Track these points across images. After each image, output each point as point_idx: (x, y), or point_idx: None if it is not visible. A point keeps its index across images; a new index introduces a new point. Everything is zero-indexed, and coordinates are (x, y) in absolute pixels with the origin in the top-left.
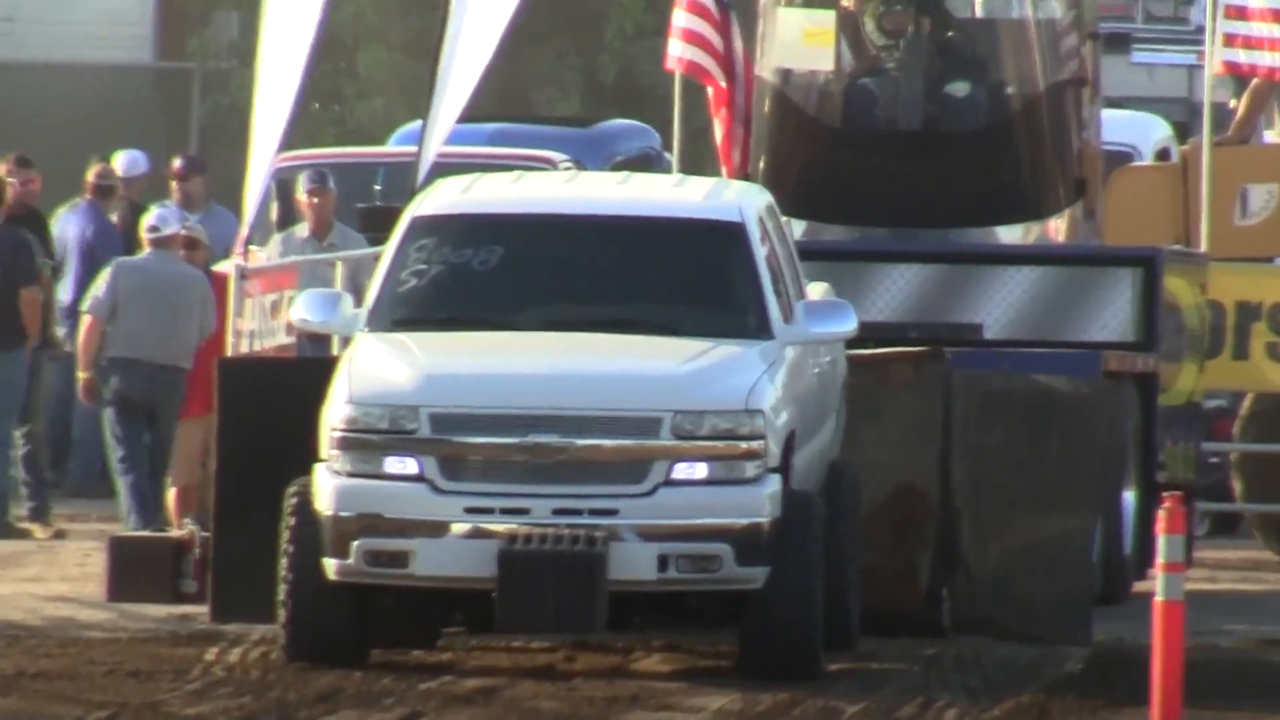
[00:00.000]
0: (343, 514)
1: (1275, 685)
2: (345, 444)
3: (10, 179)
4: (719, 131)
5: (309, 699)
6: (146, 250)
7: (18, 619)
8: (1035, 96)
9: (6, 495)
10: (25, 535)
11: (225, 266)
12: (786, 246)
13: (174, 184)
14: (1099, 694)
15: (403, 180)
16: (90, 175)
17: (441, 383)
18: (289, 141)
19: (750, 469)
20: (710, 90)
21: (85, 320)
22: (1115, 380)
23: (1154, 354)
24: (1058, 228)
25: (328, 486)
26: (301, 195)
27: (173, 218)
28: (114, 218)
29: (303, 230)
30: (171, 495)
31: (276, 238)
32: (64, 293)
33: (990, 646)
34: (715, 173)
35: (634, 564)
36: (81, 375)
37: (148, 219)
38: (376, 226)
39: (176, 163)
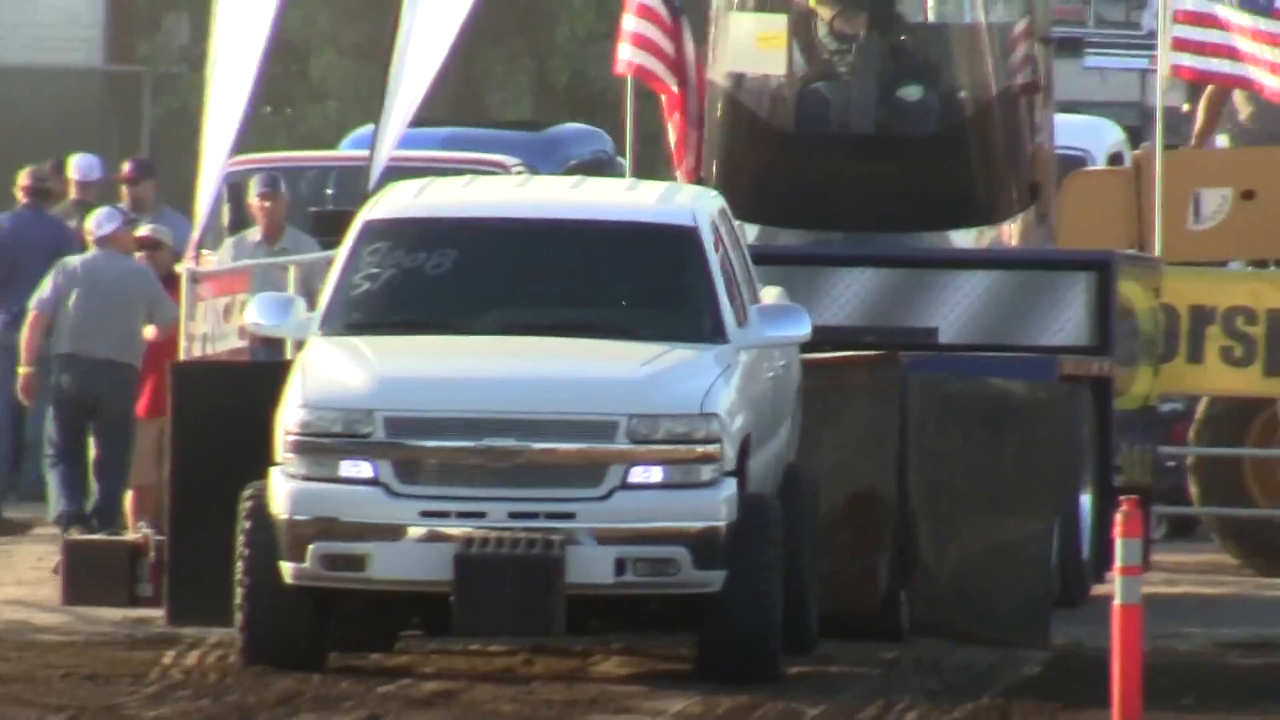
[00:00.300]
0: (298, 518)
1: (1233, 688)
2: (300, 448)
3: None
4: (673, 136)
5: (268, 702)
6: (92, 250)
7: None
8: (988, 101)
9: None
10: None
11: (178, 269)
12: (740, 251)
13: (124, 188)
14: (1058, 697)
15: (355, 184)
16: (23, 179)
17: (396, 386)
18: (241, 145)
19: (706, 473)
20: (664, 95)
21: (29, 316)
22: (1071, 384)
23: (1109, 358)
24: (1011, 232)
25: (283, 490)
26: (253, 199)
27: (109, 218)
28: (71, 222)
29: (254, 234)
30: (128, 496)
31: (228, 242)
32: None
33: (949, 649)
34: (668, 177)
35: (591, 568)
36: (21, 371)
37: (88, 221)
38: (329, 231)
39: (126, 166)
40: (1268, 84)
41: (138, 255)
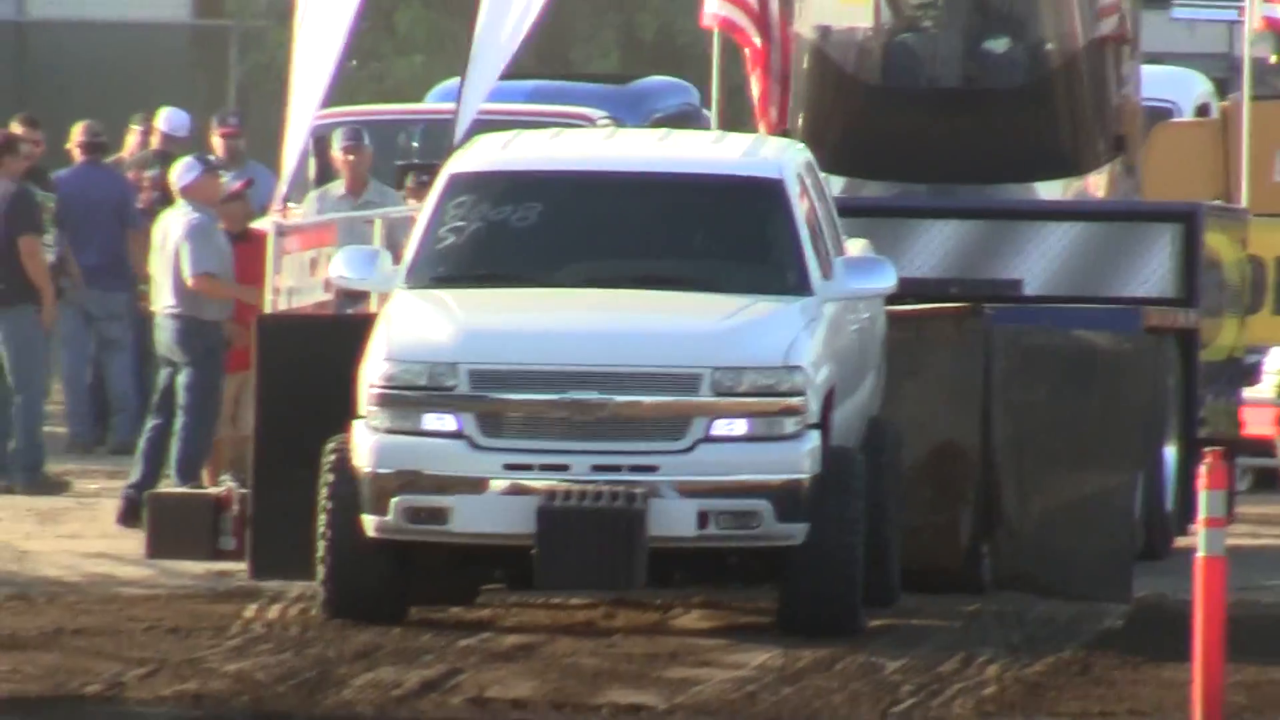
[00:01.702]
0: (381, 471)
1: None
2: (384, 401)
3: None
4: (756, 90)
5: (348, 656)
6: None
7: (56, 575)
8: (1074, 52)
9: (43, 451)
10: (63, 489)
11: (264, 224)
12: (825, 203)
13: (220, 140)
14: (1140, 650)
15: (441, 138)
16: (77, 134)
17: (480, 339)
18: (328, 99)
19: (789, 425)
20: (747, 49)
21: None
22: (1156, 336)
23: (1195, 309)
24: (1097, 184)
25: (366, 443)
26: (337, 153)
27: (189, 168)
28: (149, 173)
29: (338, 188)
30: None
31: (312, 195)
32: (93, 254)
33: (1031, 603)
34: (754, 130)
35: (673, 520)
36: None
37: (171, 173)
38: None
39: (232, 120)
40: None
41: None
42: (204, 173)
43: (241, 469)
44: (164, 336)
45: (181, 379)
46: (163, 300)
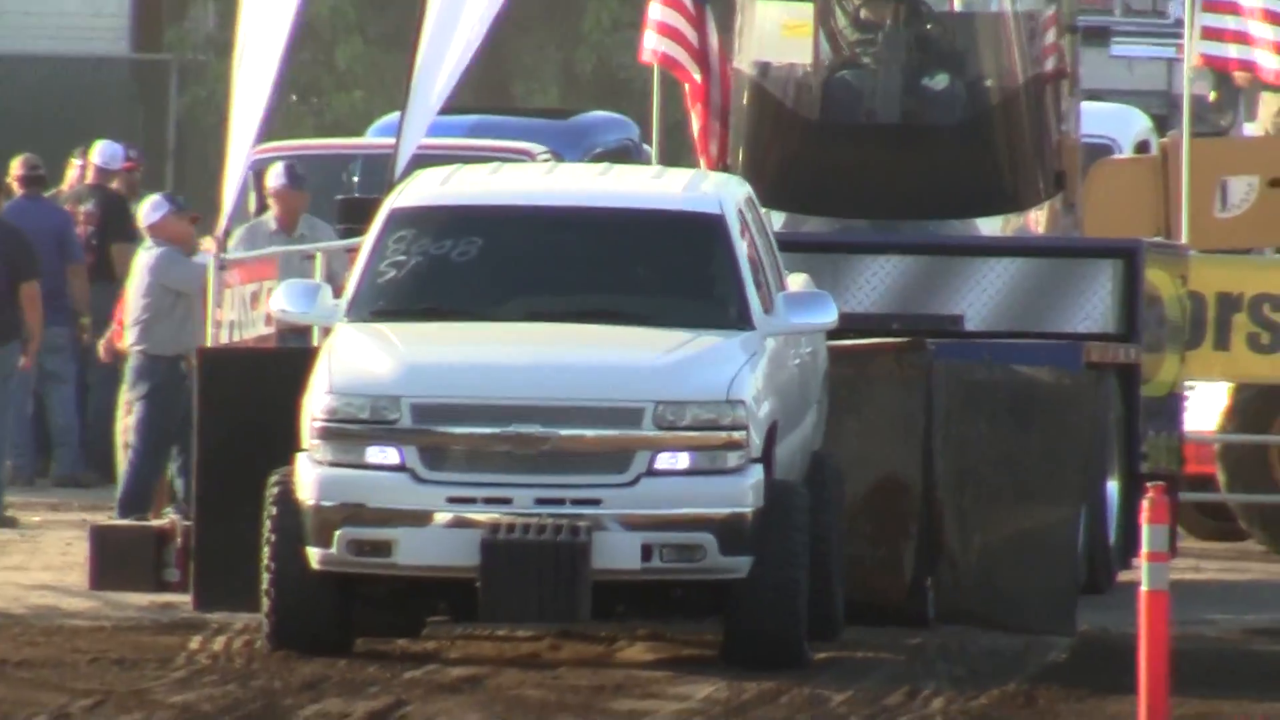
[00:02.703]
0: (325, 503)
1: (1260, 674)
2: (327, 434)
3: None
4: (695, 125)
5: (294, 687)
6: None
7: (1, 607)
8: (1014, 89)
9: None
10: (11, 524)
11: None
12: (766, 238)
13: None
14: (1085, 683)
15: (381, 172)
16: (16, 168)
17: (423, 373)
18: (267, 133)
19: (733, 459)
20: (687, 85)
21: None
22: (1097, 371)
23: (1136, 345)
24: (1038, 219)
25: (310, 476)
26: (270, 187)
27: (156, 206)
28: (84, 207)
29: (270, 222)
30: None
31: (240, 230)
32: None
33: (975, 636)
34: (694, 165)
35: (618, 553)
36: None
37: (140, 210)
38: (355, 218)
39: (132, 154)
40: (1267, 66)
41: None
42: (170, 211)
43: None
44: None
45: (135, 414)
46: (130, 337)
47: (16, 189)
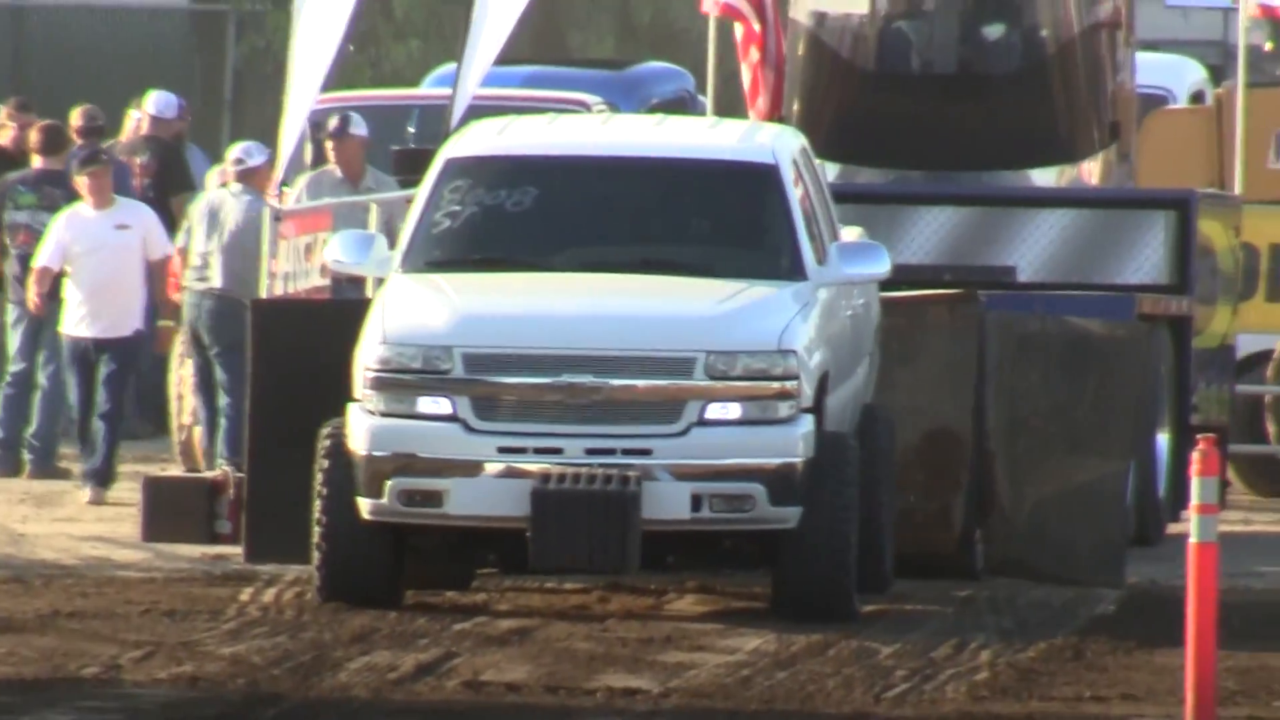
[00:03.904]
0: (376, 454)
1: None
2: (379, 384)
3: (10, 123)
4: (746, 76)
5: (344, 639)
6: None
7: (53, 558)
8: (1069, 39)
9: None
10: (65, 475)
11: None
12: (820, 189)
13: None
14: (1133, 635)
15: (437, 123)
16: (76, 119)
17: (475, 323)
18: (328, 84)
19: (783, 409)
20: (740, 32)
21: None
22: (1149, 323)
23: (1188, 297)
24: (1091, 170)
25: (362, 426)
26: (327, 140)
27: (260, 150)
28: (140, 159)
29: (336, 172)
30: (198, 433)
31: (303, 179)
32: None
33: (1024, 588)
34: (747, 116)
35: (667, 503)
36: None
37: (230, 151)
38: (410, 169)
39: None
40: None
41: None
42: (269, 159)
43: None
44: (202, 316)
45: (224, 362)
46: (213, 280)
47: (76, 140)
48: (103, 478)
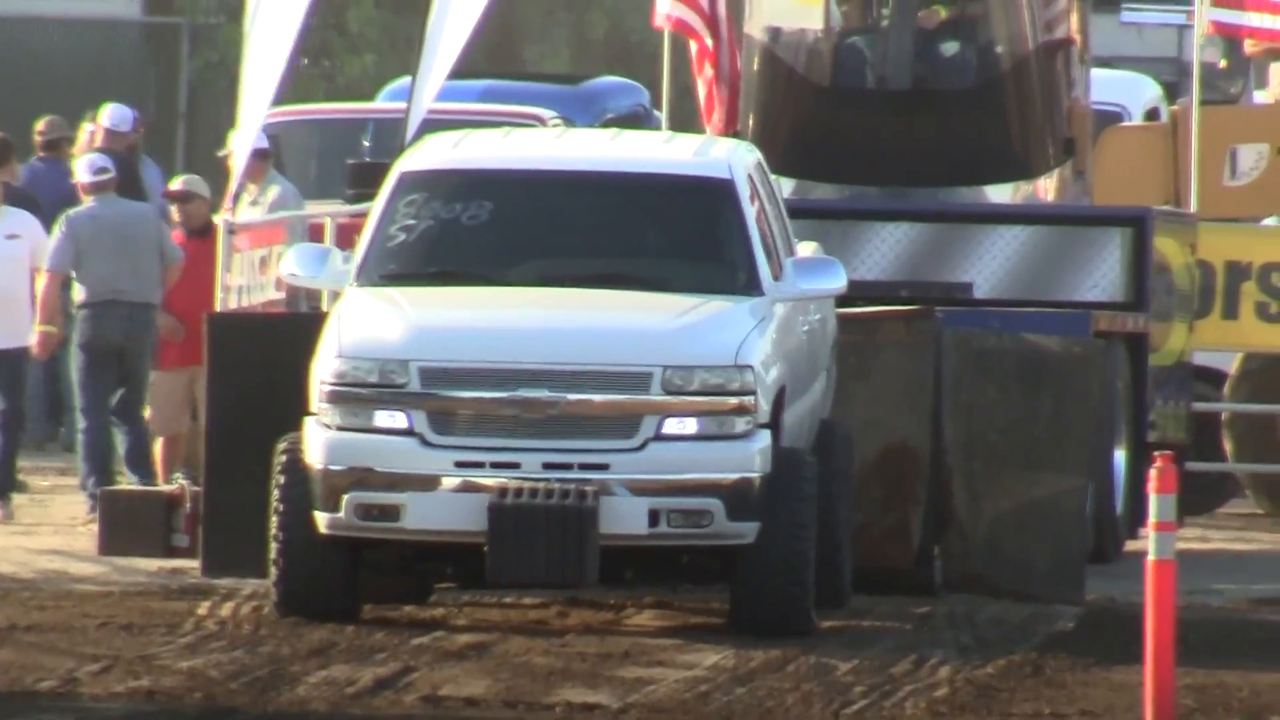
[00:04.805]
0: (333, 467)
1: (1267, 643)
2: (335, 398)
3: None
4: (701, 91)
5: (302, 653)
6: (89, 199)
7: (10, 571)
8: (1025, 55)
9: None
10: (21, 488)
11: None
12: (776, 204)
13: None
14: (1092, 652)
15: (392, 137)
16: (40, 128)
17: (431, 337)
18: (279, 97)
19: (740, 424)
20: (694, 48)
21: (46, 276)
22: (1106, 340)
23: (1144, 314)
24: (1047, 187)
25: (318, 440)
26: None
27: (106, 162)
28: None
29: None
30: (158, 446)
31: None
32: None
33: (982, 605)
34: (703, 131)
35: (625, 518)
36: (41, 329)
37: (88, 166)
38: (365, 183)
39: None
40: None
41: (173, 208)
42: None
43: (194, 466)
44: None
45: (133, 372)
46: (142, 292)
47: (39, 151)
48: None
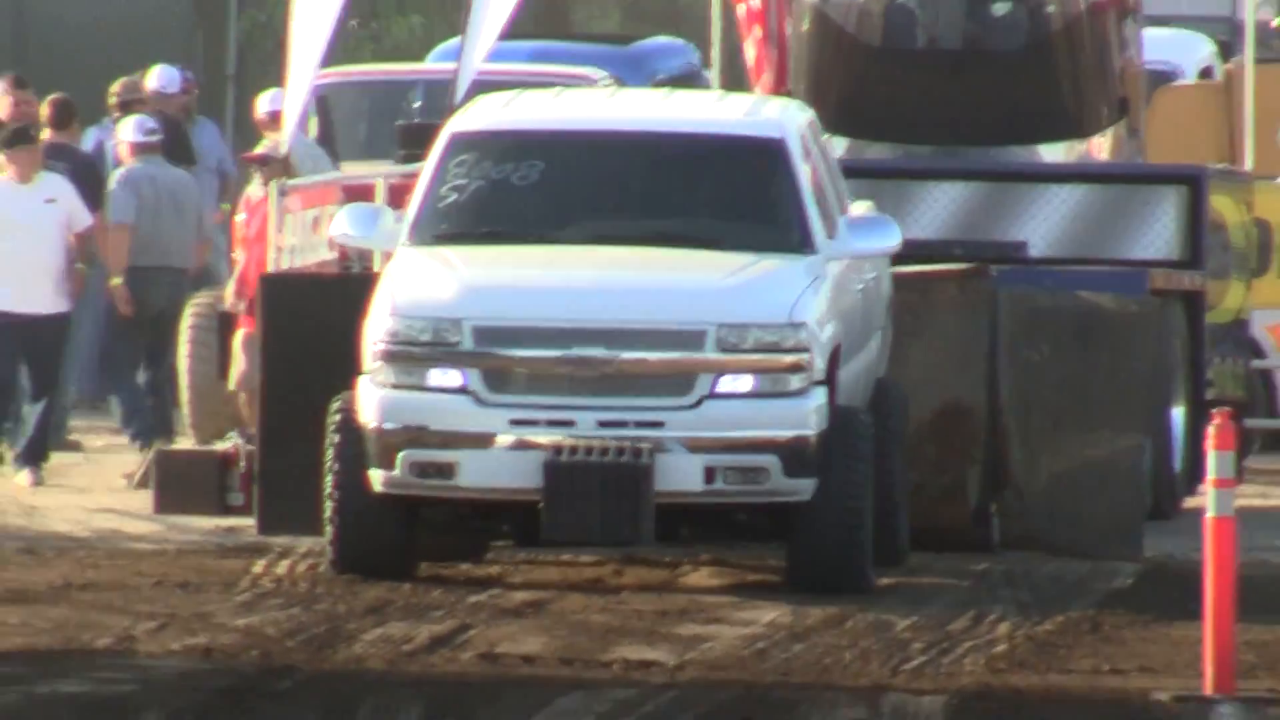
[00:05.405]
0: (387, 426)
1: None
2: (389, 356)
3: (6, 97)
4: (751, 53)
5: (358, 611)
6: (134, 159)
7: (65, 530)
8: (1077, 14)
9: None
10: (75, 447)
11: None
12: (829, 163)
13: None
14: (1150, 609)
15: (441, 98)
16: (116, 90)
17: (484, 295)
18: (328, 59)
19: (795, 382)
20: (742, 10)
21: (113, 230)
22: (1161, 298)
23: (1200, 272)
24: (1101, 146)
25: (372, 399)
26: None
27: (155, 124)
28: None
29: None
30: (242, 400)
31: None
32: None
33: (1040, 562)
34: (752, 91)
35: (680, 476)
36: (117, 284)
37: (137, 126)
38: (415, 144)
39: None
40: None
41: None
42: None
43: (247, 426)
44: (174, 293)
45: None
46: (184, 258)
47: (115, 113)
48: (33, 457)
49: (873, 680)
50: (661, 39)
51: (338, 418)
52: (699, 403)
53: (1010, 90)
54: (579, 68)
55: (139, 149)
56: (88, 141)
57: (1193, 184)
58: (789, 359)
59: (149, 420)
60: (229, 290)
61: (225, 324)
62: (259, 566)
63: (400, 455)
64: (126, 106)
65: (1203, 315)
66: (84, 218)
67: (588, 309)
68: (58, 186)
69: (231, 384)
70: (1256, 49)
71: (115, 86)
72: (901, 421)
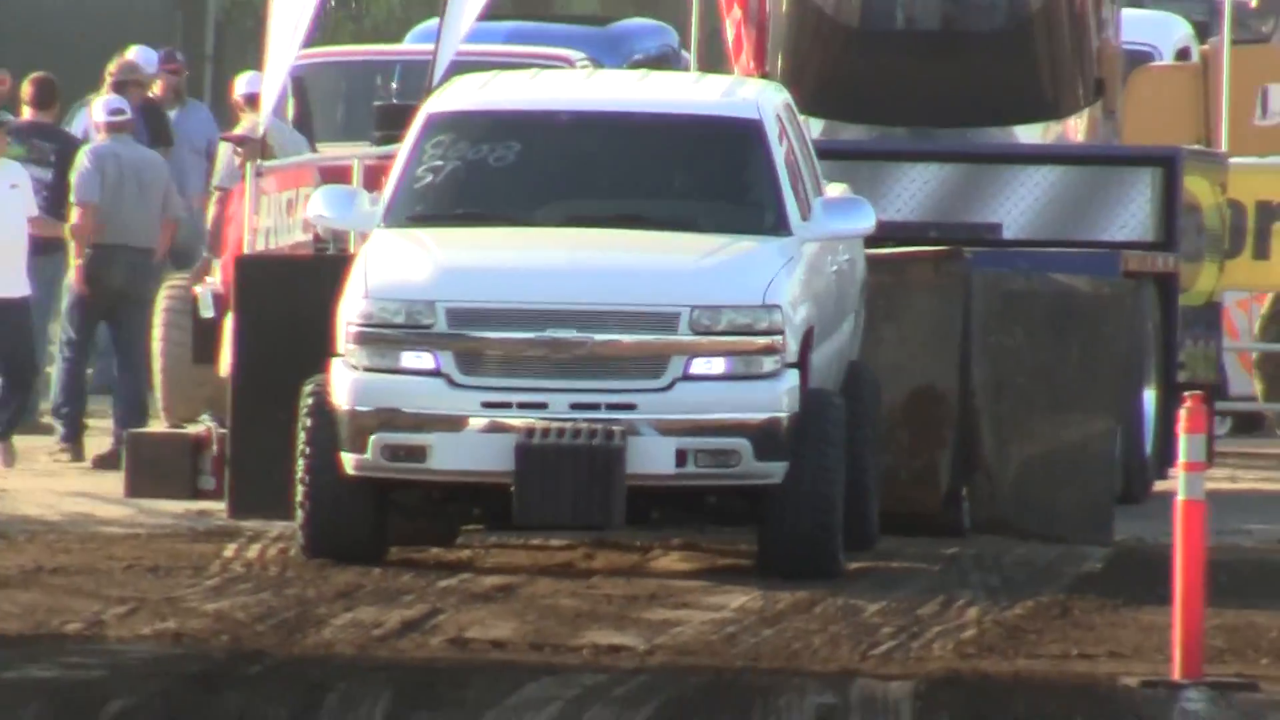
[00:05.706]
0: (360, 408)
1: None
2: (362, 339)
3: None
4: (729, 33)
5: (328, 595)
6: (104, 137)
7: (36, 514)
8: None
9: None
10: (47, 431)
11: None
12: (805, 145)
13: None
14: (1120, 593)
15: (419, 79)
16: (112, 70)
17: (458, 277)
18: (309, 40)
19: (768, 364)
20: None
21: (77, 209)
22: (1135, 280)
23: (1174, 254)
24: (1077, 127)
25: (344, 381)
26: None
27: (122, 104)
28: None
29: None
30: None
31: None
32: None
33: (1010, 546)
34: (731, 73)
35: (652, 458)
36: (79, 264)
37: (104, 106)
38: (392, 124)
39: (178, 57)
40: None
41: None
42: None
43: (220, 409)
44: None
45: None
46: (149, 238)
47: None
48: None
49: (841, 665)
50: (639, 20)
51: (310, 401)
52: (671, 385)
53: (987, 71)
54: (556, 49)
55: (107, 128)
56: (78, 125)
57: (1168, 165)
58: (762, 341)
59: (80, 405)
60: (217, 274)
61: (219, 307)
62: (230, 550)
63: (372, 438)
64: (120, 87)
65: (1176, 297)
66: (34, 208)
67: (561, 291)
68: (18, 173)
69: (223, 370)
70: (1233, 30)
71: (111, 66)
72: (873, 405)
